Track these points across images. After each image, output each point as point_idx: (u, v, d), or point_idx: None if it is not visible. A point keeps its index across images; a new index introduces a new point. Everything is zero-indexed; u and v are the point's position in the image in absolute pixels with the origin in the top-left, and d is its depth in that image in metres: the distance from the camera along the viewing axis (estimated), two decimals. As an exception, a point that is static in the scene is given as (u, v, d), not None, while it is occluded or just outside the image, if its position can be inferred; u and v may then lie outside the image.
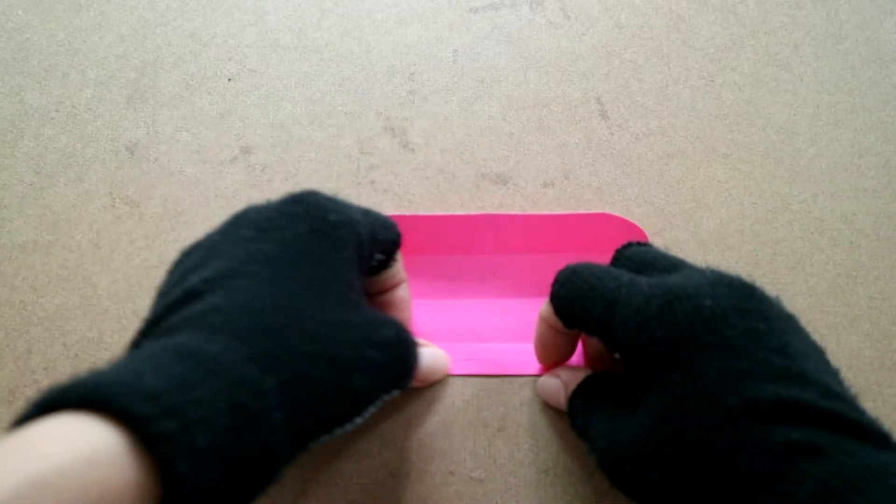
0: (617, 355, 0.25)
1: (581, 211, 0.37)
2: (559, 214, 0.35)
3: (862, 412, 0.20)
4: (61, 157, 0.38)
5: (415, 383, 0.30)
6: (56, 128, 0.39)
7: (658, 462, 0.21)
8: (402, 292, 0.30)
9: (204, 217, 0.37)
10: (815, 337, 0.33)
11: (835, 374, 0.22)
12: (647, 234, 0.36)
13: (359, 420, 0.23)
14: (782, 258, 0.36)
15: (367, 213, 0.27)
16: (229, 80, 0.41)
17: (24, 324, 0.34)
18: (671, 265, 0.26)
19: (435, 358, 0.31)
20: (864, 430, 0.19)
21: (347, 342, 0.22)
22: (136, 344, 0.21)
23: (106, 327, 0.34)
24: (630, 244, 0.29)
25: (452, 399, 0.32)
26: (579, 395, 0.28)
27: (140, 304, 0.34)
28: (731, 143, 0.39)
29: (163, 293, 0.23)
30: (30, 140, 0.39)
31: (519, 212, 0.37)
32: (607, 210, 0.37)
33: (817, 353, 0.22)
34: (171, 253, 0.35)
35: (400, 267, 0.30)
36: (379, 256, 0.27)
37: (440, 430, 0.31)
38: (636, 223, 0.36)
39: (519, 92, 0.40)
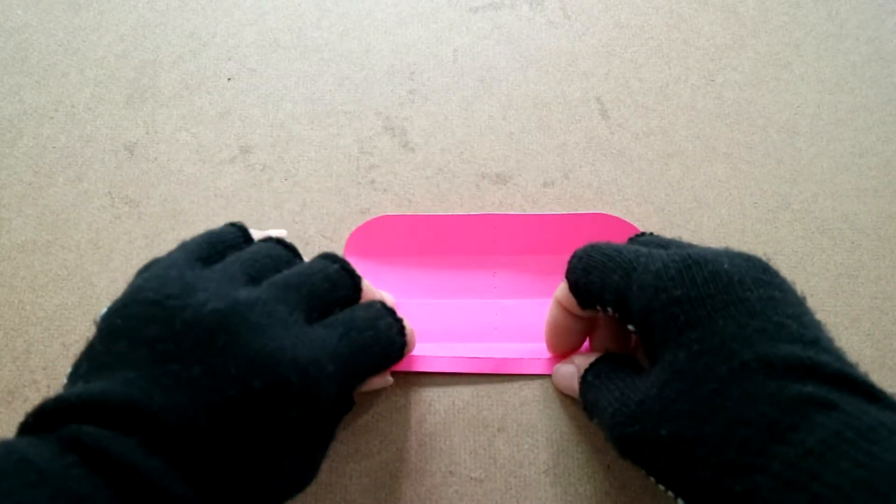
0: (631, 327, 0.25)
1: (581, 211, 0.37)
2: (556, 215, 0.35)
3: (873, 383, 0.20)
4: (60, 156, 0.38)
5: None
6: (55, 127, 0.39)
7: (669, 417, 0.22)
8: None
9: (203, 217, 0.36)
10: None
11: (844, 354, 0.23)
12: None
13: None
14: (783, 258, 0.36)
15: (351, 361, 0.24)
16: (229, 79, 0.41)
17: (24, 323, 0.34)
18: (684, 244, 0.27)
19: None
20: (877, 394, 0.19)
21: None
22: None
23: (105, 327, 0.34)
24: (643, 233, 0.30)
25: (452, 399, 0.32)
26: (591, 371, 0.28)
27: (139, 304, 0.34)
28: (731, 143, 0.39)
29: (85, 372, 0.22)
30: (29, 139, 0.39)
31: (519, 211, 0.37)
32: (607, 210, 0.37)
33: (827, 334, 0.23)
34: (171, 252, 0.35)
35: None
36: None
37: (440, 430, 0.31)
38: (636, 223, 0.36)
39: (519, 91, 0.40)
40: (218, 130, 0.39)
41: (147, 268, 0.25)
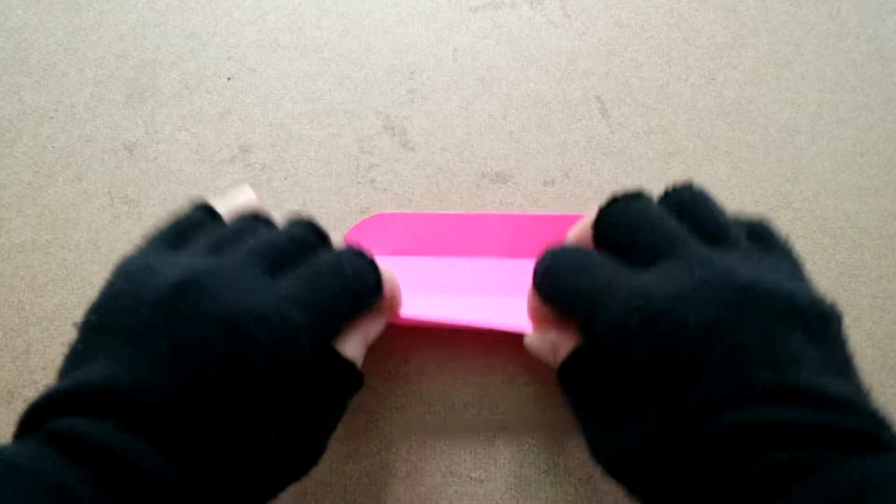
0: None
1: (582, 210, 0.37)
2: (557, 215, 0.35)
3: (855, 412, 0.19)
4: (60, 156, 0.38)
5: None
6: (55, 127, 0.39)
7: (644, 482, 0.21)
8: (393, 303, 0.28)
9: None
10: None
11: (840, 356, 0.21)
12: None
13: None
14: (784, 257, 0.36)
15: (319, 304, 0.23)
16: (228, 79, 0.41)
17: (23, 324, 0.34)
18: (653, 245, 0.23)
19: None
20: (853, 437, 0.18)
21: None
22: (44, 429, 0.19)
23: (104, 327, 0.34)
24: (616, 199, 0.26)
25: (452, 399, 0.32)
26: (567, 372, 0.26)
27: (139, 304, 0.34)
28: (732, 142, 0.39)
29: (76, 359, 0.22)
30: (28, 139, 0.39)
31: (519, 211, 0.37)
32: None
33: (822, 340, 0.21)
34: (170, 252, 0.35)
35: (388, 295, 0.27)
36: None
37: (440, 430, 0.31)
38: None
39: (519, 91, 0.40)
40: (217, 130, 0.39)
41: (119, 265, 0.24)
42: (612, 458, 0.23)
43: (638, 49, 0.42)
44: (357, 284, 0.25)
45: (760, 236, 0.25)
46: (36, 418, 0.19)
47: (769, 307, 0.20)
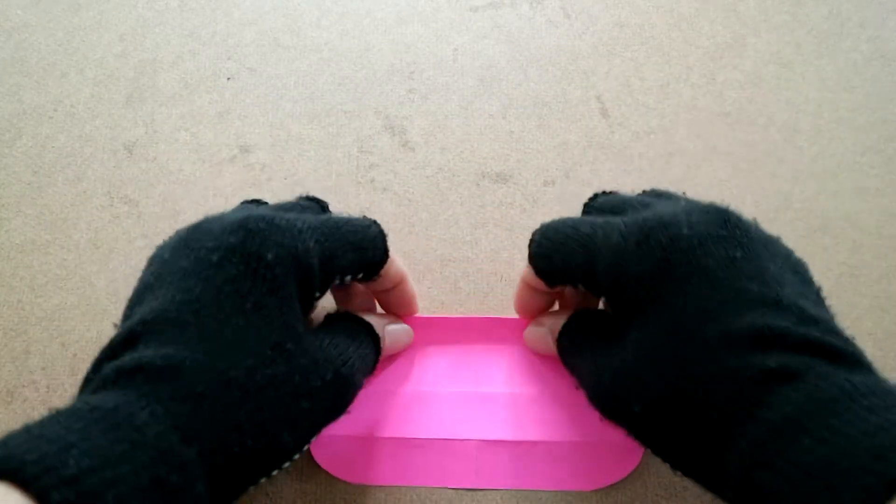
0: (602, 300, 0.25)
1: (581, 210, 0.37)
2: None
3: (837, 335, 0.20)
4: (60, 156, 0.38)
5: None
6: (54, 127, 0.39)
7: (640, 396, 0.22)
8: (401, 292, 0.30)
9: (203, 216, 0.36)
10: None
11: (815, 294, 0.23)
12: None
13: (296, 457, 0.23)
14: (784, 257, 0.36)
15: (331, 235, 0.25)
16: (228, 79, 0.41)
17: (23, 323, 0.34)
18: (643, 204, 0.26)
19: (396, 335, 0.31)
20: (838, 353, 0.19)
21: (276, 401, 0.21)
22: (88, 380, 0.21)
23: (104, 327, 0.33)
24: (596, 194, 0.29)
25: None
26: (565, 335, 0.28)
27: (138, 304, 0.34)
28: (732, 142, 0.39)
29: (125, 314, 0.24)
30: (28, 139, 0.39)
31: (519, 211, 0.37)
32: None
33: (796, 274, 0.23)
34: (170, 252, 0.35)
35: (393, 272, 0.29)
36: (349, 278, 0.26)
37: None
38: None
39: (519, 90, 0.40)
40: (217, 130, 0.39)
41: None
42: (609, 383, 0.23)
43: (638, 49, 0.42)
44: (369, 239, 0.27)
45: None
46: (103, 364, 0.21)
47: (752, 230, 0.23)
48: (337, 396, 0.24)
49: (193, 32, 0.42)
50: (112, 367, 0.20)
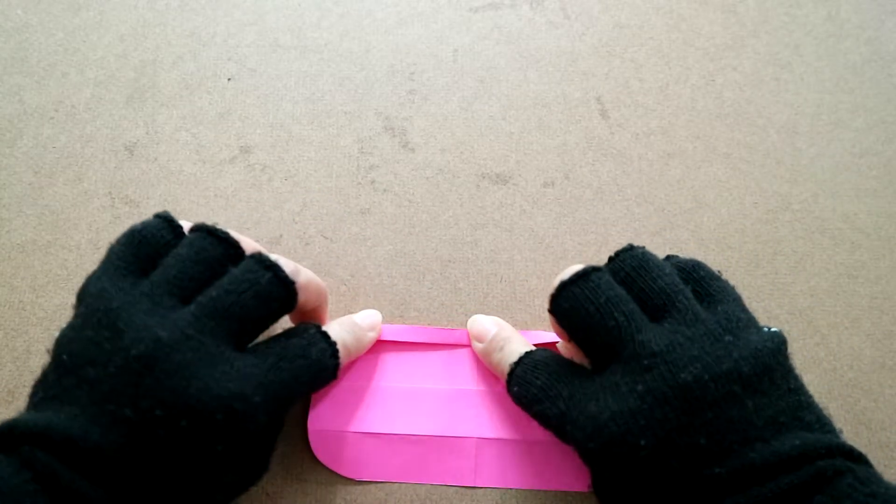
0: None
1: (581, 210, 0.37)
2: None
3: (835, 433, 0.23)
4: (60, 156, 0.38)
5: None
6: (55, 127, 0.39)
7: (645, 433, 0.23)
8: (321, 311, 0.30)
9: (203, 216, 0.36)
10: (817, 337, 0.33)
11: (799, 393, 0.24)
12: (647, 233, 0.36)
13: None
14: (783, 258, 0.36)
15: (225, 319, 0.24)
16: (229, 79, 0.41)
17: (24, 324, 0.34)
18: (602, 337, 0.25)
19: (359, 333, 0.30)
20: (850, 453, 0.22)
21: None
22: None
23: (105, 327, 0.34)
24: (624, 252, 0.27)
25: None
26: (518, 381, 0.28)
27: (139, 304, 0.34)
28: (731, 143, 0.39)
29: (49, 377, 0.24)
30: (29, 139, 0.39)
31: (518, 212, 0.37)
32: (607, 210, 0.37)
33: (774, 387, 0.23)
34: (171, 253, 0.35)
35: (312, 292, 0.28)
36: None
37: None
38: (636, 223, 0.36)
39: (519, 91, 0.40)
40: (218, 130, 0.39)
41: (83, 290, 0.26)
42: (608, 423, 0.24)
43: (638, 50, 0.42)
44: (318, 372, 0.27)
45: (699, 283, 0.27)
46: (11, 439, 0.21)
47: (714, 396, 0.22)
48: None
49: (194, 33, 0.42)
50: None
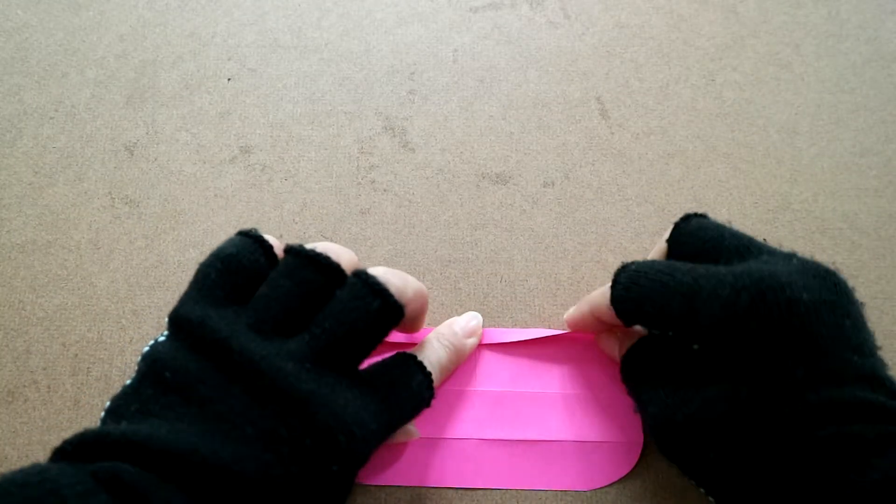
0: (696, 346, 0.25)
1: (582, 211, 0.37)
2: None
3: None
4: (60, 156, 0.38)
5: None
6: (55, 127, 0.39)
7: (720, 444, 0.23)
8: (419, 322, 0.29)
9: (203, 217, 0.36)
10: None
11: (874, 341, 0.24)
12: (647, 233, 0.36)
13: None
14: (783, 258, 0.36)
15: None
16: (229, 79, 0.41)
17: (24, 324, 0.34)
18: (742, 246, 0.25)
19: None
20: None
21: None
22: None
23: (105, 327, 0.34)
24: (689, 216, 0.28)
25: (452, 399, 0.32)
26: (633, 360, 0.28)
27: (139, 304, 0.34)
28: (731, 143, 0.39)
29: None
30: (29, 140, 0.39)
31: (518, 212, 0.37)
32: (608, 211, 0.37)
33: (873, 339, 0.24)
34: (171, 252, 0.35)
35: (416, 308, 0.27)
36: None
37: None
38: (636, 223, 0.36)
39: (519, 91, 0.40)
40: (218, 130, 0.39)
41: (178, 314, 0.24)
42: (683, 423, 0.24)
43: (638, 50, 0.42)
44: (418, 403, 0.27)
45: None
46: (92, 450, 0.20)
47: (852, 296, 0.24)
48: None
49: (194, 33, 0.42)
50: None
